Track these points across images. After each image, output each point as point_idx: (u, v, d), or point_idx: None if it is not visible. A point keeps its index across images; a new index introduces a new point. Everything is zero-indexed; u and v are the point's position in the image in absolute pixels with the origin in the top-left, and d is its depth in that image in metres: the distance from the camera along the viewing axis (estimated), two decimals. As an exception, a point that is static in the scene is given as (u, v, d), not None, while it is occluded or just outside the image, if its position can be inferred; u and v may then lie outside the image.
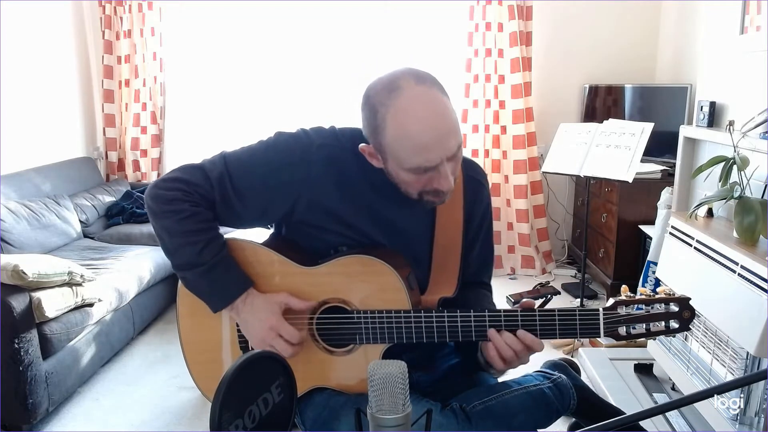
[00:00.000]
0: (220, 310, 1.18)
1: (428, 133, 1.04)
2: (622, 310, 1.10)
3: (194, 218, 1.14)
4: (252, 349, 1.19)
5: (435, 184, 1.09)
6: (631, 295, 1.13)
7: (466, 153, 3.86)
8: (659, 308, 1.10)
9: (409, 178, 1.10)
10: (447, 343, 1.33)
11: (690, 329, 1.12)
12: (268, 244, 1.23)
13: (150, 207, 1.16)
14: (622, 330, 1.10)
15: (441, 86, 1.08)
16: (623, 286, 1.20)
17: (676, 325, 1.10)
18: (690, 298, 1.10)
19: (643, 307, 1.10)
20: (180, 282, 1.23)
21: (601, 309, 1.09)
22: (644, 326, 1.10)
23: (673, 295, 1.11)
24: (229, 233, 1.24)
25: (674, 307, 1.10)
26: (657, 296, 1.11)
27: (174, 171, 1.17)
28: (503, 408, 1.16)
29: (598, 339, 2.78)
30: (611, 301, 1.11)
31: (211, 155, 1.20)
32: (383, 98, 1.06)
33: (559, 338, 1.13)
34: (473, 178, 1.30)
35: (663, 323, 1.10)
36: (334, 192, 1.17)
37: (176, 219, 1.13)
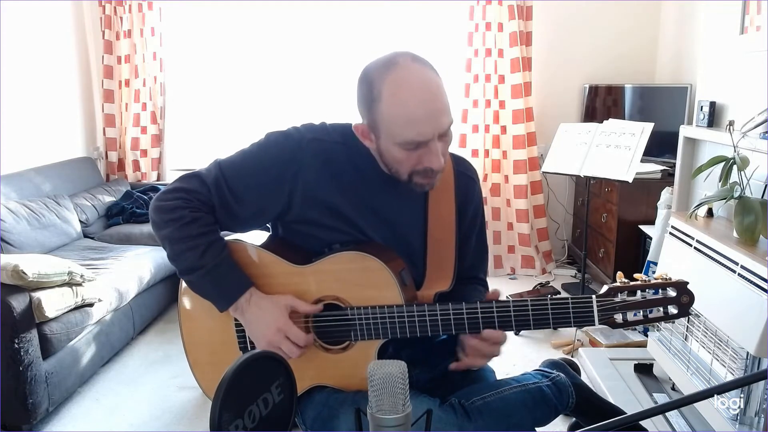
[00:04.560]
0: (225, 310, 1.18)
1: (422, 106, 1.06)
2: (618, 297, 1.06)
3: (195, 223, 1.15)
4: (251, 349, 1.19)
5: (426, 162, 1.10)
6: (626, 281, 1.08)
7: (466, 153, 3.87)
8: (657, 294, 1.06)
9: (400, 155, 1.11)
10: (440, 336, 1.34)
11: (690, 314, 1.07)
12: (265, 245, 1.23)
13: (153, 219, 1.18)
14: (618, 317, 1.06)
15: (436, 70, 1.11)
16: (619, 272, 1.15)
17: (675, 311, 1.06)
18: (688, 282, 1.06)
19: (640, 293, 1.06)
20: (181, 284, 1.25)
21: (594, 296, 1.07)
22: (641, 313, 1.06)
23: (670, 279, 1.07)
24: (230, 235, 1.25)
25: (672, 292, 1.06)
26: (653, 281, 1.06)
27: (173, 183, 1.20)
28: (502, 405, 1.16)
29: (598, 339, 2.78)
30: (605, 287, 1.08)
31: (209, 157, 1.24)
32: (380, 73, 1.09)
33: (554, 327, 1.11)
34: (463, 173, 1.31)
35: (661, 309, 1.06)
36: (327, 185, 1.18)
37: (177, 226, 1.15)
